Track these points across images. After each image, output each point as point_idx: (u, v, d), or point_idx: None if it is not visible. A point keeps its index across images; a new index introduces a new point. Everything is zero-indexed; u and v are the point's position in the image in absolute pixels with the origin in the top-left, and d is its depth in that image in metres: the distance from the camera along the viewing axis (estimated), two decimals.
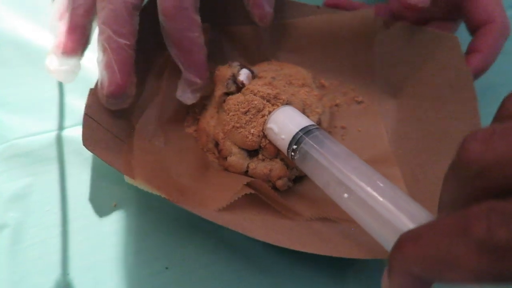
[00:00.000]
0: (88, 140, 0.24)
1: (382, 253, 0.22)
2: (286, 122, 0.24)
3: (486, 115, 0.27)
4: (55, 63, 0.25)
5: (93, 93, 0.25)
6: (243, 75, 0.27)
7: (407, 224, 0.18)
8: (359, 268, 0.26)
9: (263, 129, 0.25)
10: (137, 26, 0.25)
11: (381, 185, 0.20)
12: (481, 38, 0.30)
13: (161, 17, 0.25)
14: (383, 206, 0.19)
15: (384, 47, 0.31)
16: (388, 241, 0.19)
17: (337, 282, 0.26)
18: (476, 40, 0.31)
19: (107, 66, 0.24)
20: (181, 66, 0.27)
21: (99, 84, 0.25)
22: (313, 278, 0.26)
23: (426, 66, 0.30)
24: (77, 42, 0.26)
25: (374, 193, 0.20)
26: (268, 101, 0.26)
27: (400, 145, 0.30)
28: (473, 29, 0.31)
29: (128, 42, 0.24)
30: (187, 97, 0.27)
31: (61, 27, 0.26)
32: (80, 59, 0.26)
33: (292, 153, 0.23)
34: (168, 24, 0.25)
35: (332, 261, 0.26)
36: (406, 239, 0.15)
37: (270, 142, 0.26)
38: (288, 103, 0.26)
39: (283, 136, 0.24)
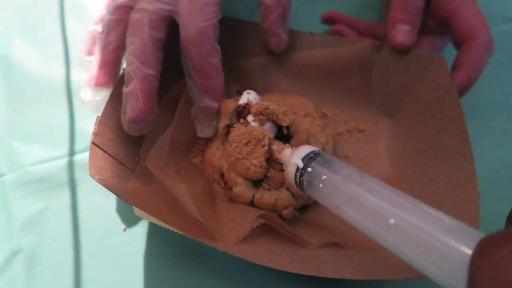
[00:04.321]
0: (95, 169, 0.24)
1: (384, 274, 0.23)
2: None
3: (475, 131, 0.28)
4: (89, 95, 0.27)
5: (100, 121, 0.26)
6: (245, 95, 0.28)
7: (462, 248, 0.15)
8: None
9: (282, 167, 0.25)
10: (162, 59, 0.26)
11: (429, 211, 0.18)
12: (465, 54, 0.31)
13: (183, 44, 0.26)
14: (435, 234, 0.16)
15: (377, 69, 0.32)
16: (432, 262, 0.16)
17: None
18: (460, 56, 0.31)
19: (132, 94, 0.25)
20: (196, 94, 0.28)
21: (122, 109, 0.26)
22: None
23: (416, 86, 0.31)
24: (108, 75, 0.27)
25: (421, 222, 0.17)
26: (277, 116, 0.26)
27: (396, 164, 0.31)
28: (458, 44, 0.32)
29: (153, 73, 0.25)
30: (206, 128, 0.28)
31: (94, 61, 0.27)
32: (110, 90, 0.28)
33: (321, 185, 0.22)
34: (191, 50, 0.26)
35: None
36: (496, 243, 0.12)
37: (289, 179, 0.24)
38: (295, 123, 0.27)
39: (309, 169, 0.23)
